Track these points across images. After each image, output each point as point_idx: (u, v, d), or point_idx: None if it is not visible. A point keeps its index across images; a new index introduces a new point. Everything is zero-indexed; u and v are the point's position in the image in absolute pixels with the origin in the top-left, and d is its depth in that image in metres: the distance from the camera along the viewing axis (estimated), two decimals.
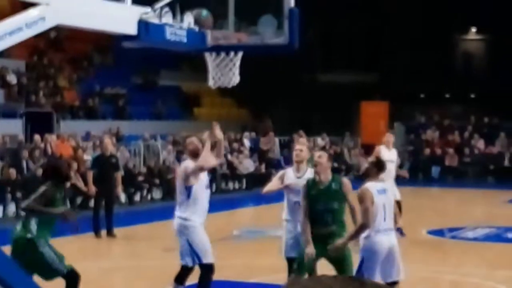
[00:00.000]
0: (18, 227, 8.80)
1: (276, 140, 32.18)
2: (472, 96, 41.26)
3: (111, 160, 17.08)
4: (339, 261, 8.96)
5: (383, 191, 8.83)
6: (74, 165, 21.71)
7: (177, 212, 9.53)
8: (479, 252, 15.53)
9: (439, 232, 17.51)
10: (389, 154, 15.35)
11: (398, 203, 15.94)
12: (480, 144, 32.84)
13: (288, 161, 29.90)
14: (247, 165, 28.66)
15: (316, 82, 39.16)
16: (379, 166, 9.05)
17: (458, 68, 42.31)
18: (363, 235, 8.71)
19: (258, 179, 28.37)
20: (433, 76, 38.32)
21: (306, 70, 38.03)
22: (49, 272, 8.75)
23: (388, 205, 8.82)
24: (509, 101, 35.68)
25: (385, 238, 8.72)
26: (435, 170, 31.52)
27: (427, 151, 32.79)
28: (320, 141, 33.37)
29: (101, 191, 16.81)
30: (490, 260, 14.36)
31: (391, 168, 14.62)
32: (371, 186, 8.77)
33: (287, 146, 31.93)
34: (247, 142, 30.50)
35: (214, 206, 21.30)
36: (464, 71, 41.87)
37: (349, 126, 35.02)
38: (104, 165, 16.87)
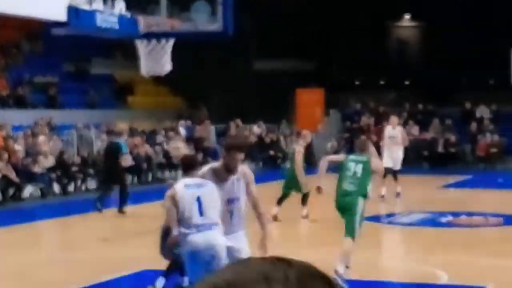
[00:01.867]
0: None
1: (212, 128, 32.02)
2: (407, 83, 41.64)
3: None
4: (346, 209, 10.19)
5: (196, 186, 7.97)
6: (5, 156, 21.27)
7: None
8: (415, 237, 15.68)
9: (375, 218, 17.60)
10: (393, 132, 21.56)
11: (395, 172, 20.46)
12: (414, 130, 33.15)
13: None
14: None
15: (251, 69, 39.04)
16: (187, 163, 8.68)
17: (393, 55, 42.63)
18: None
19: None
20: (368, 63, 38.54)
21: (241, 57, 37.90)
22: None
23: (206, 198, 7.91)
24: (443, 87, 36.10)
25: (200, 236, 7.84)
26: None
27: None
28: (256, 129, 33.32)
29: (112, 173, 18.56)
30: (425, 245, 14.49)
31: (395, 142, 21.16)
32: (179, 182, 8.27)
33: (223, 135, 31.79)
34: (182, 131, 30.25)
35: (150, 195, 21.12)
36: (398, 58, 42.21)
37: (285, 114, 35.02)
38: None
